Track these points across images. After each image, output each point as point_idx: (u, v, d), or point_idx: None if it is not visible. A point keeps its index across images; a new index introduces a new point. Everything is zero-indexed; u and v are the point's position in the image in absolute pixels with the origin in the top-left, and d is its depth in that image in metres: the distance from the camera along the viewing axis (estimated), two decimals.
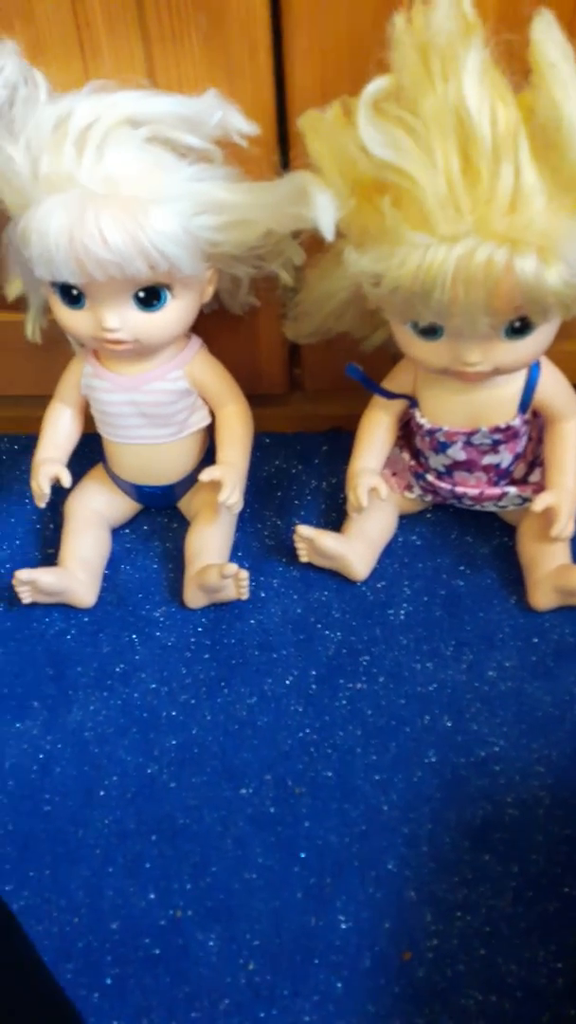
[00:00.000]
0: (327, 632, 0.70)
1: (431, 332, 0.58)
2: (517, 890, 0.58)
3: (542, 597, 0.69)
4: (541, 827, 0.60)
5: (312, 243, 0.58)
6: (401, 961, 0.56)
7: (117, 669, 0.69)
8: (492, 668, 0.67)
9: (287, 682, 0.67)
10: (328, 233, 0.53)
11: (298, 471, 0.81)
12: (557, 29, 0.47)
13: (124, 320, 0.61)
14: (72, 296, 0.60)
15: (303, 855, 0.59)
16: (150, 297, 0.60)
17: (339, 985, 0.55)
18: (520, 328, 0.56)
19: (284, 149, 0.61)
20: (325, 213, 0.52)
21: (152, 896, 0.58)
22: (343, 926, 0.57)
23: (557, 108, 0.47)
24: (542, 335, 0.58)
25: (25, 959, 0.43)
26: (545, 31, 0.46)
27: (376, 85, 0.50)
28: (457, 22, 0.47)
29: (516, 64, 0.48)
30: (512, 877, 0.58)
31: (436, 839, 0.60)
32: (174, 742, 0.65)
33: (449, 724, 0.65)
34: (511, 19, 0.49)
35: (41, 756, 0.64)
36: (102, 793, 0.63)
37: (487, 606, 0.71)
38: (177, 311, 0.62)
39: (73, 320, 0.62)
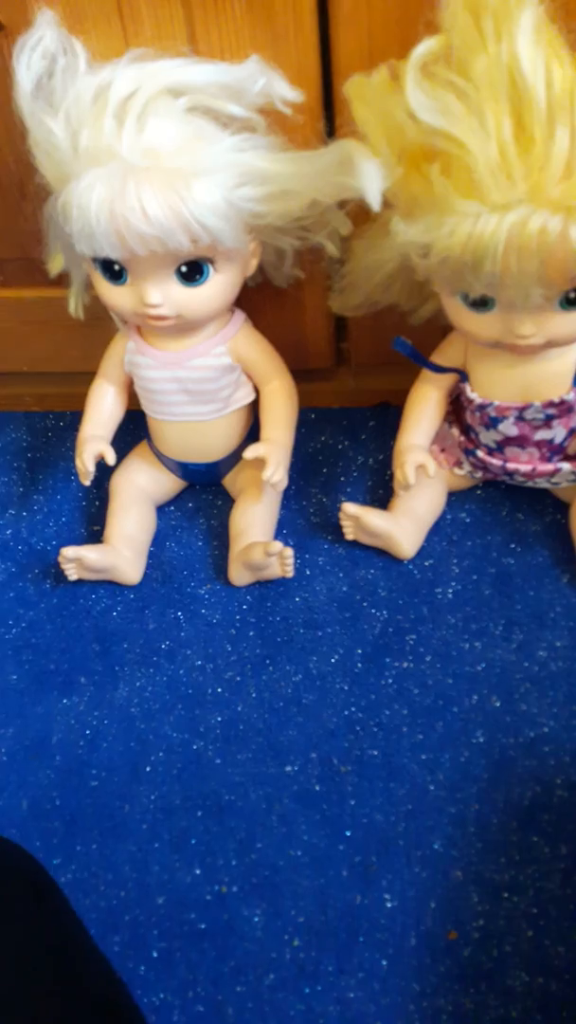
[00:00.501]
0: (373, 610, 0.69)
1: (482, 304, 0.56)
2: (566, 872, 0.57)
3: None
4: None
5: (359, 213, 0.57)
6: (447, 941, 0.55)
7: (163, 646, 0.69)
8: (543, 648, 0.66)
9: (332, 660, 0.67)
10: (375, 203, 0.51)
11: (344, 447, 0.80)
12: None
13: (166, 295, 0.60)
14: (114, 271, 0.60)
15: (348, 833, 0.59)
16: (192, 271, 0.59)
17: (384, 963, 0.55)
18: (575, 299, 0.54)
19: (330, 116, 0.59)
20: (372, 182, 0.51)
21: (198, 871, 0.59)
22: (388, 905, 0.57)
23: None
24: None
25: (72, 932, 0.43)
26: None
27: (425, 47, 0.48)
28: None
29: (573, 22, 0.46)
30: (561, 859, 0.57)
31: (483, 820, 0.59)
32: (219, 719, 0.65)
33: (498, 704, 0.64)
34: None
35: (88, 732, 0.65)
36: (148, 769, 0.63)
37: (538, 585, 0.69)
38: (220, 285, 0.61)
39: (115, 296, 0.61)
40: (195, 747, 0.64)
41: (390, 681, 0.66)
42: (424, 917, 0.56)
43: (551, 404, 0.63)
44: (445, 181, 0.49)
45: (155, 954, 0.56)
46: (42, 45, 0.55)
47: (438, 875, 0.57)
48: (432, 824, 0.59)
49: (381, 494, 0.75)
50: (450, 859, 0.58)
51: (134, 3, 0.55)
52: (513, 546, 0.72)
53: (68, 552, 0.69)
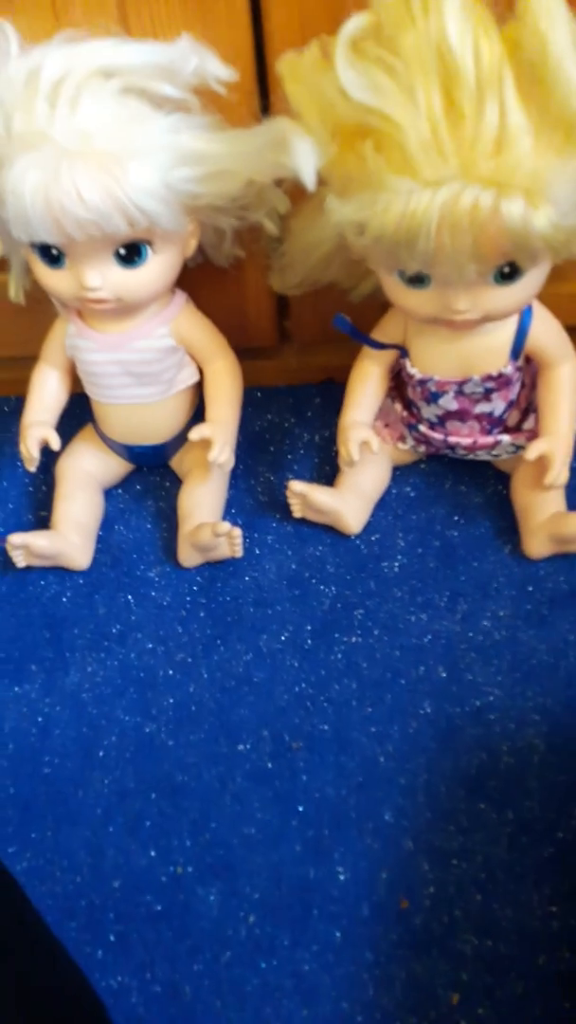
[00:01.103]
0: (322, 587, 0.70)
1: (418, 280, 0.56)
2: (512, 836, 0.58)
3: (537, 545, 0.69)
4: (536, 774, 0.60)
5: (296, 191, 0.56)
6: (399, 909, 0.57)
7: (113, 630, 0.69)
8: (486, 618, 0.67)
9: (283, 638, 0.67)
10: (309, 182, 0.51)
11: (291, 425, 0.80)
12: None
13: (105, 278, 0.59)
14: (52, 256, 0.59)
15: (301, 808, 0.60)
16: (131, 254, 0.59)
17: (338, 934, 0.56)
18: (509, 273, 0.55)
19: (265, 94, 0.59)
20: (306, 161, 0.51)
21: (153, 854, 0.59)
22: (341, 877, 0.58)
23: (543, 41, 0.45)
24: (532, 280, 0.56)
25: (26, 920, 0.43)
26: None
27: (354, 24, 0.48)
28: None
29: None
30: (507, 824, 0.59)
31: (432, 789, 0.60)
32: (171, 701, 0.65)
33: (444, 675, 0.65)
34: None
35: (40, 719, 0.65)
36: (101, 754, 0.63)
37: (481, 556, 0.70)
38: (159, 267, 0.60)
39: (54, 280, 0.60)
40: (147, 730, 0.64)
41: (339, 656, 0.66)
42: (376, 887, 0.57)
43: (489, 378, 0.64)
44: (378, 158, 0.49)
45: (112, 938, 0.56)
46: None
47: (389, 846, 0.59)
48: (382, 796, 0.60)
49: (328, 470, 0.76)
50: (400, 829, 0.59)
51: None
52: (457, 518, 0.73)
53: (15, 539, 0.68)
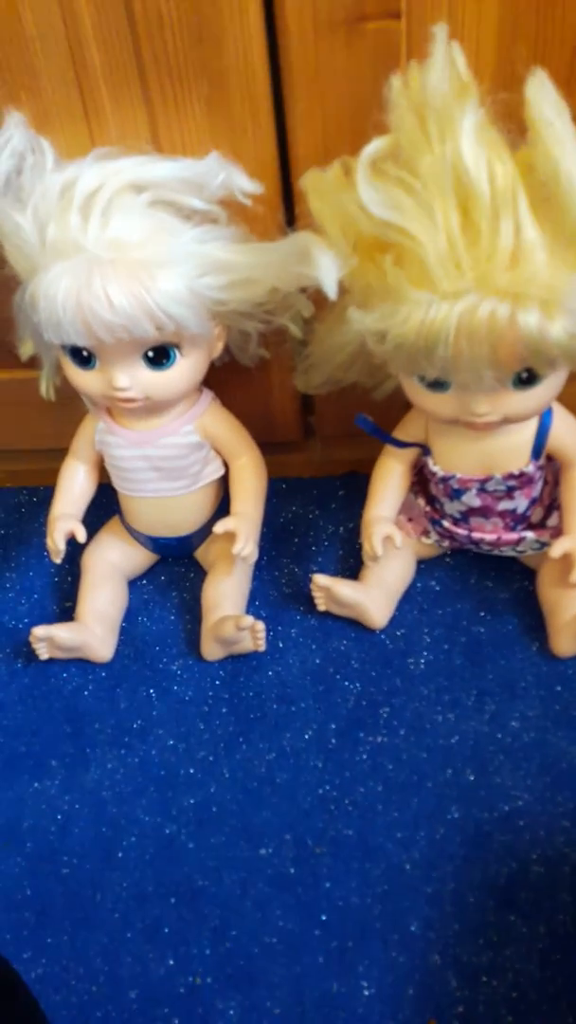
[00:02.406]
0: (346, 683, 0.69)
1: (438, 385, 0.57)
2: (544, 952, 0.56)
3: (564, 643, 0.68)
4: (568, 886, 0.58)
5: (320, 296, 0.58)
6: None
7: (135, 725, 0.68)
8: (515, 718, 0.66)
9: (306, 736, 0.67)
10: (331, 293, 0.53)
11: (315, 516, 0.80)
12: (551, 87, 0.47)
13: (134, 379, 0.61)
14: (82, 357, 0.61)
15: (324, 917, 0.58)
16: (159, 356, 0.61)
17: None
18: (528, 379, 0.56)
19: (289, 206, 0.61)
20: (328, 273, 0.52)
21: (171, 962, 0.57)
22: (366, 992, 0.56)
23: (555, 164, 0.47)
24: (551, 384, 0.57)
25: None
26: (540, 90, 0.46)
27: (374, 146, 0.50)
28: (452, 83, 0.47)
29: (513, 122, 0.48)
30: (539, 939, 0.56)
31: (460, 899, 0.58)
32: (192, 801, 0.64)
33: (472, 778, 0.63)
34: (506, 78, 0.49)
35: (59, 817, 0.64)
36: (120, 855, 0.62)
37: (509, 653, 0.70)
38: (187, 368, 0.62)
39: (84, 380, 0.63)
40: (168, 831, 0.63)
41: (364, 757, 0.65)
42: (402, 1005, 0.55)
43: (511, 476, 0.64)
44: (398, 271, 0.51)
45: None
46: (11, 144, 0.56)
47: (416, 959, 0.56)
48: (408, 905, 0.58)
49: (352, 563, 0.76)
50: (427, 942, 0.57)
51: (99, 105, 0.57)
52: (483, 614, 0.72)
53: (39, 631, 0.69)
